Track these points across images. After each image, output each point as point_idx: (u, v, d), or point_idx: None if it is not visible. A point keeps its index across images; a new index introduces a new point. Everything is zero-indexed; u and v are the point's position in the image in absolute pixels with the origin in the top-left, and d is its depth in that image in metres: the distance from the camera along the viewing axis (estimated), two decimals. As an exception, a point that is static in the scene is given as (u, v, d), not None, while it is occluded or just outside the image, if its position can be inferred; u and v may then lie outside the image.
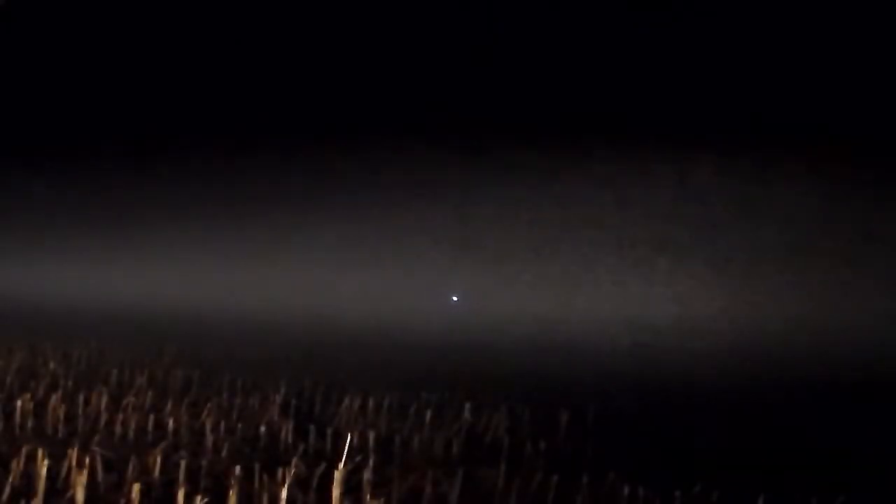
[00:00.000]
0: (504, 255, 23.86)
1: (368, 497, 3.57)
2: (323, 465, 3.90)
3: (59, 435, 4.54)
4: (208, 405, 5.40)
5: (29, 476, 3.52)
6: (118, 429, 4.65)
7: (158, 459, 3.83)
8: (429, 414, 5.42)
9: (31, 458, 3.56)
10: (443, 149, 22.38)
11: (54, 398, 4.99)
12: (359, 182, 24.95)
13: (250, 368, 7.91)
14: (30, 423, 4.68)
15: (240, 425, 4.88)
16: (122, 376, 6.69)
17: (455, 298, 24.57)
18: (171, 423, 4.76)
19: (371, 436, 4.64)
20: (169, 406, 5.28)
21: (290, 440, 4.64)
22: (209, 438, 4.51)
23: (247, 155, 25.15)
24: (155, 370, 7.20)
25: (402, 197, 24.36)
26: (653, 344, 16.03)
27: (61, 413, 4.72)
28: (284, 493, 3.26)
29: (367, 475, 3.73)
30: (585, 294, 21.97)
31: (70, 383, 6.04)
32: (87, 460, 3.55)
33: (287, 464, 3.79)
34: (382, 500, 3.51)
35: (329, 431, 4.70)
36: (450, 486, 3.82)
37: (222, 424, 4.75)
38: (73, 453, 3.68)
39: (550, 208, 23.49)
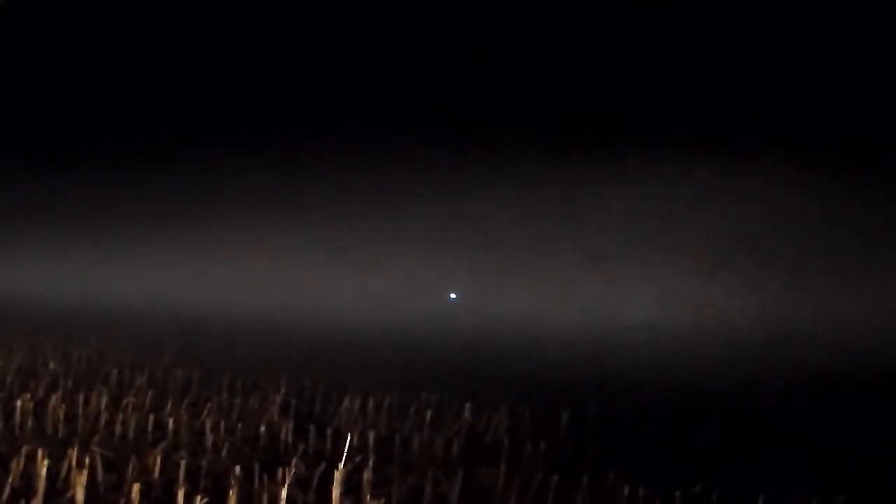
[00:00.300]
0: (504, 255, 23.87)
1: (368, 497, 3.57)
2: (323, 465, 3.90)
3: (59, 435, 4.54)
4: (208, 405, 5.40)
5: (29, 476, 3.52)
6: (118, 429, 4.65)
7: (158, 459, 3.83)
8: (429, 414, 5.42)
9: (31, 458, 3.56)
10: (443, 149, 22.37)
11: (54, 398, 4.99)
12: (358, 182, 24.96)
13: (250, 368, 7.91)
14: (30, 423, 4.68)
15: (240, 425, 4.88)
16: (122, 376, 6.69)
17: (453, 296, 24.58)
18: (171, 423, 4.76)
19: (371, 436, 4.64)
20: (169, 406, 5.28)
21: (290, 440, 4.64)
22: (209, 438, 4.51)
23: (246, 155, 25.16)
24: (155, 370, 7.20)
25: (402, 197, 24.37)
26: (653, 344, 16.04)
27: (61, 413, 4.72)
28: (284, 493, 3.27)
29: (367, 475, 3.73)
30: (586, 294, 21.97)
31: (70, 383, 6.04)
32: (87, 460, 3.55)
33: (287, 464, 3.79)
34: (382, 500, 3.51)
35: (329, 431, 4.70)
36: (450, 486, 3.82)
37: (222, 424, 4.75)
38: (73, 453, 3.69)
39: (550, 208, 23.50)
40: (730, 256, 21.18)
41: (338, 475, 3.42)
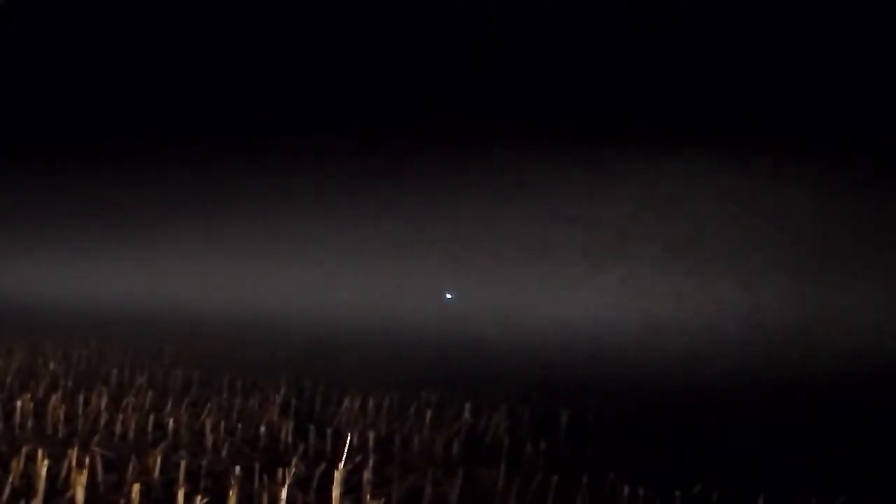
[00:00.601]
0: (504, 255, 23.86)
1: (368, 497, 3.57)
2: (323, 465, 3.90)
3: (59, 435, 4.54)
4: (208, 405, 5.40)
5: (29, 476, 3.52)
6: (118, 429, 4.64)
7: (158, 459, 3.83)
8: (429, 414, 5.42)
9: (31, 458, 3.56)
10: (443, 149, 22.38)
11: (54, 398, 4.99)
12: (359, 182, 24.96)
13: (250, 368, 7.91)
14: (30, 423, 4.68)
15: (240, 425, 4.88)
16: (122, 376, 6.69)
17: (449, 296, 24.59)
18: (171, 423, 4.76)
19: (371, 436, 4.64)
20: (169, 406, 5.28)
21: (290, 440, 4.64)
22: (209, 438, 4.51)
23: (246, 155, 25.16)
24: (155, 370, 7.20)
25: (402, 197, 24.38)
26: (653, 344, 16.04)
27: (61, 413, 4.72)
28: (284, 493, 3.26)
29: (367, 475, 3.73)
30: (585, 294, 21.97)
31: (70, 383, 6.05)
32: (87, 460, 3.55)
33: (287, 464, 3.79)
34: (382, 500, 3.51)
35: (329, 431, 4.70)
36: (450, 486, 3.82)
37: (222, 424, 4.74)
38: (73, 453, 3.69)
39: (550, 208, 23.50)
40: (730, 256, 21.17)
41: (338, 475, 3.42)
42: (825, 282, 19.67)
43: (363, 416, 5.55)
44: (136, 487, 3.15)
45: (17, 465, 3.56)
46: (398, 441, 4.77)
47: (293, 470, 3.69)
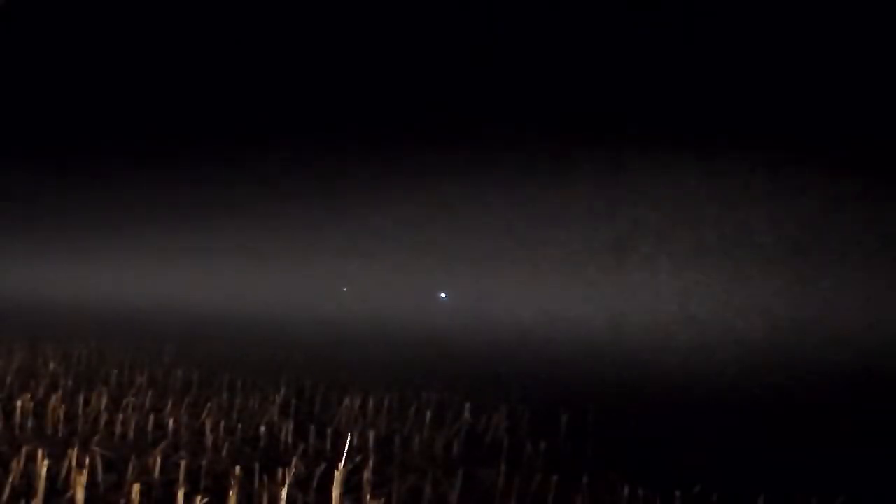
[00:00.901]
0: (504, 256, 23.86)
1: (368, 497, 3.56)
2: (323, 465, 3.90)
3: (59, 435, 4.54)
4: (208, 405, 5.40)
5: (29, 476, 3.52)
6: (118, 429, 4.64)
7: (158, 459, 3.83)
8: (429, 414, 5.42)
9: (31, 458, 3.56)
10: (441, 149, 22.38)
11: (54, 398, 4.99)
12: (359, 183, 24.95)
13: (250, 368, 7.91)
14: (30, 423, 4.68)
15: (240, 425, 4.88)
16: (122, 376, 6.69)
17: (443, 296, 24.63)
18: (171, 423, 4.76)
19: (371, 436, 4.64)
20: (169, 406, 5.28)
21: (290, 440, 4.64)
22: (209, 438, 4.50)
23: (247, 157, 25.16)
24: (155, 370, 7.20)
25: (403, 197, 24.37)
26: (653, 344, 16.04)
27: (61, 413, 4.72)
28: (284, 493, 3.26)
29: (367, 475, 3.73)
30: (586, 294, 21.96)
31: (70, 383, 6.05)
32: (87, 460, 3.55)
33: (287, 464, 3.79)
34: (382, 500, 3.50)
35: (329, 431, 4.69)
36: (450, 486, 3.82)
37: (222, 424, 4.74)
38: (73, 453, 3.69)
39: (550, 208, 23.49)
40: (730, 257, 21.17)
41: (338, 475, 3.42)
42: (825, 281, 19.68)
43: (363, 416, 5.55)
44: (136, 487, 3.14)
45: (17, 465, 3.56)
46: (398, 441, 4.77)
47: (293, 470, 3.69)
